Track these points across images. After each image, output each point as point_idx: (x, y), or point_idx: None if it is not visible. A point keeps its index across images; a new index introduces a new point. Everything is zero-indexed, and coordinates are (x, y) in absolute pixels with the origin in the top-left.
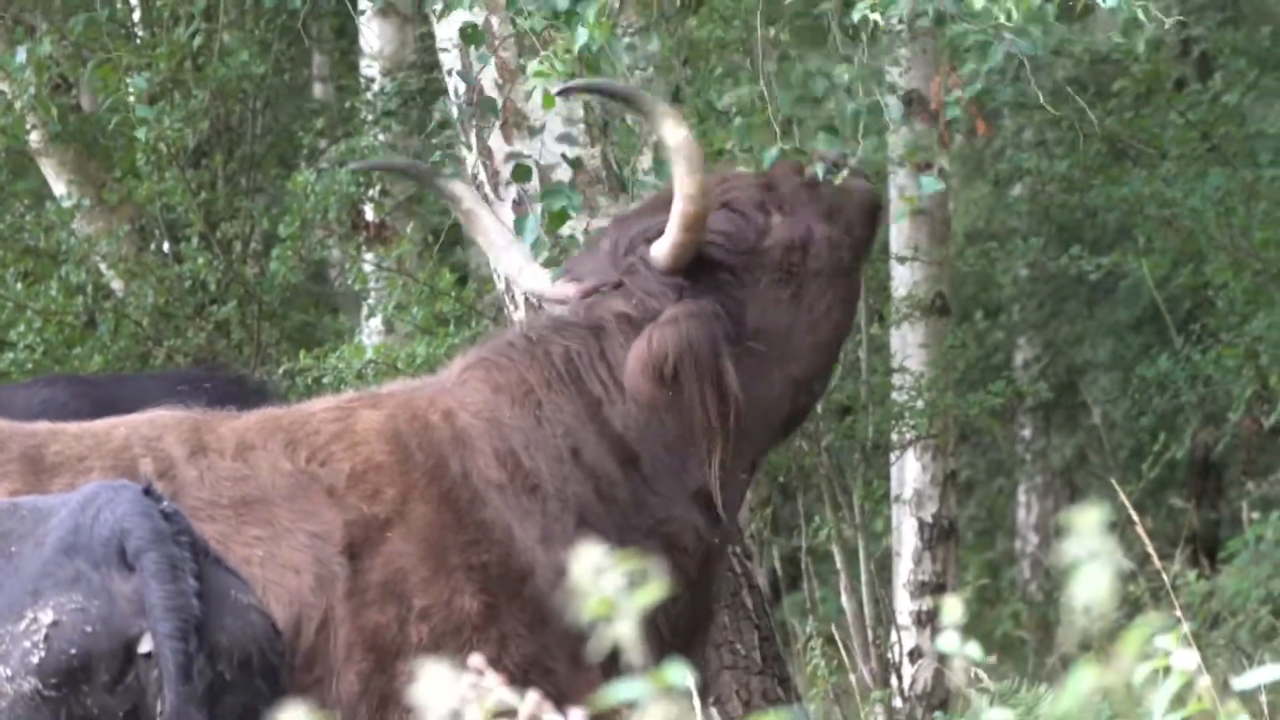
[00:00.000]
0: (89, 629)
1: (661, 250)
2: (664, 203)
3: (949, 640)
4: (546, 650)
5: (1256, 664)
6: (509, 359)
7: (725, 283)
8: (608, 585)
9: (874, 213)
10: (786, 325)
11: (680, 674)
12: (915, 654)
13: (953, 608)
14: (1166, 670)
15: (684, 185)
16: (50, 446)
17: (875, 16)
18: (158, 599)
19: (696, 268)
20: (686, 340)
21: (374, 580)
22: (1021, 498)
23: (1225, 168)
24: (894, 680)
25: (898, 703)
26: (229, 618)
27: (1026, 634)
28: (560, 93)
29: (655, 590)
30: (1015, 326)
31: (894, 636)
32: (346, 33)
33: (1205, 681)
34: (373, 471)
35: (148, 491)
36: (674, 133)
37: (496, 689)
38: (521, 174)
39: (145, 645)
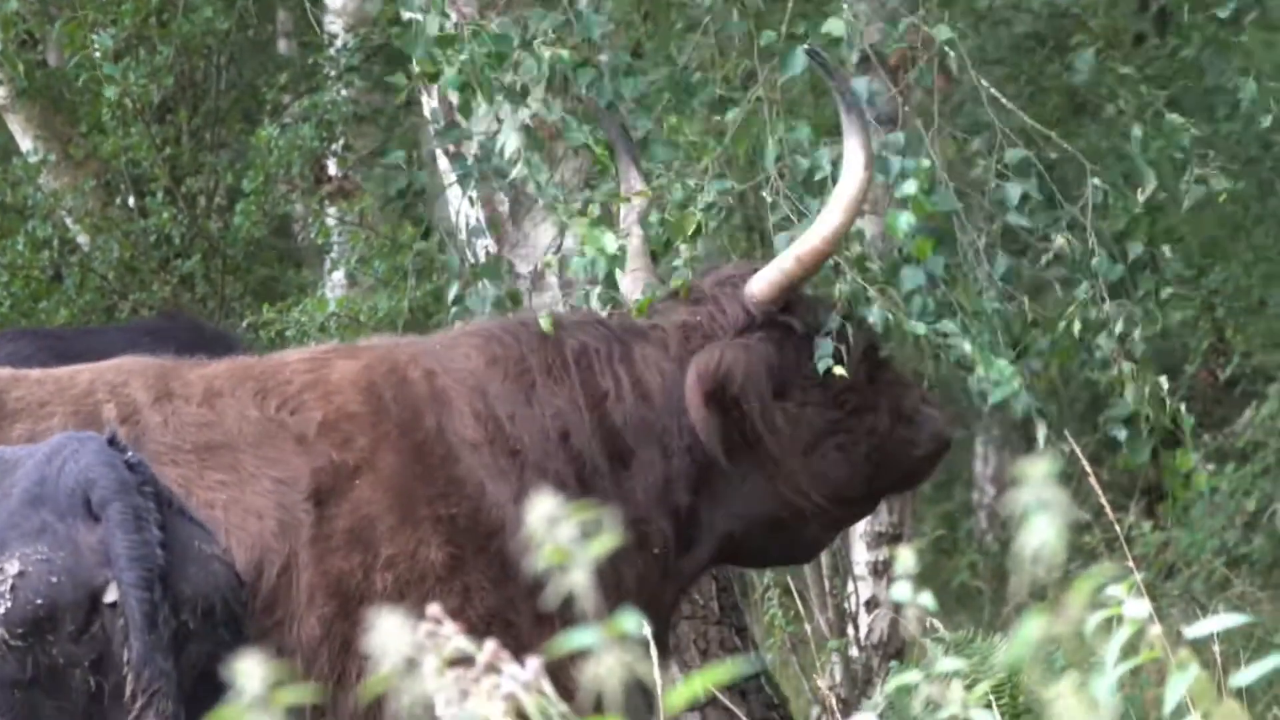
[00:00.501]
0: (54, 579)
1: (763, 276)
2: None
3: (902, 590)
4: (510, 604)
5: (1210, 614)
6: (514, 339)
7: (788, 355)
8: (562, 534)
9: (938, 456)
10: (811, 436)
11: (635, 622)
12: (872, 604)
13: (906, 558)
14: (1118, 619)
15: (827, 223)
16: (11, 392)
17: None
18: (122, 549)
19: (777, 325)
20: (750, 372)
21: (340, 527)
22: (979, 450)
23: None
24: (850, 630)
25: (854, 652)
26: (192, 567)
27: (983, 584)
28: (807, 52)
29: (610, 540)
30: None
31: (850, 586)
32: None
33: (1157, 630)
34: (345, 420)
35: (112, 442)
36: (855, 171)
37: (454, 638)
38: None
39: (110, 595)
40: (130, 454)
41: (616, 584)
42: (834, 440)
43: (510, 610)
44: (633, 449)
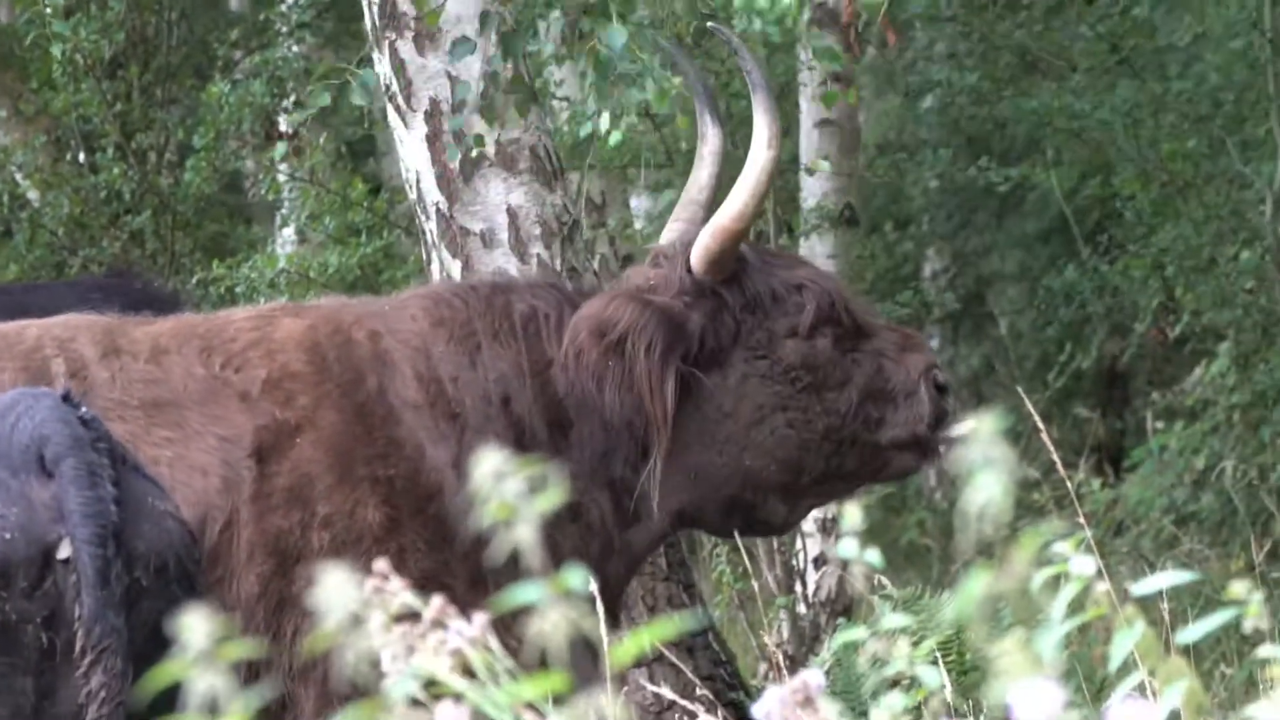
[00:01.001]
0: (7, 535)
1: (695, 246)
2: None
3: (848, 546)
4: (446, 567)
5: (1158, 572)
6: (462, 301)
7: (724, 325)
8: (508, 490)
9: (908, 446)
10: (753, 411)
11: (580, 578)
12: (820, 561)
13: (852, 514)
14: (1065, 576)
15: (734, 203)
16: None
17: None
18: (76, 505)
19: (711, 295)
20: (643, 324)
21: (280, 485)
22: None
23: (1134, 80)
24: (798, 587)
25: (802, 609)
26: (146, 524)
27: (931, 542)
28: (712, 29)
29: (555, 496)
30: (924, 238)
31: (799, 544)
32: None
33: (1104, 587)
34: (288, 379)
35: (66, 398)
36: (762, 147)
37: (400, 594)
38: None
39: (64, 551)
40: (84, 410)
41: (552, 552)
42: (784, 416)
43: (445, 573)
44: (573, 419)
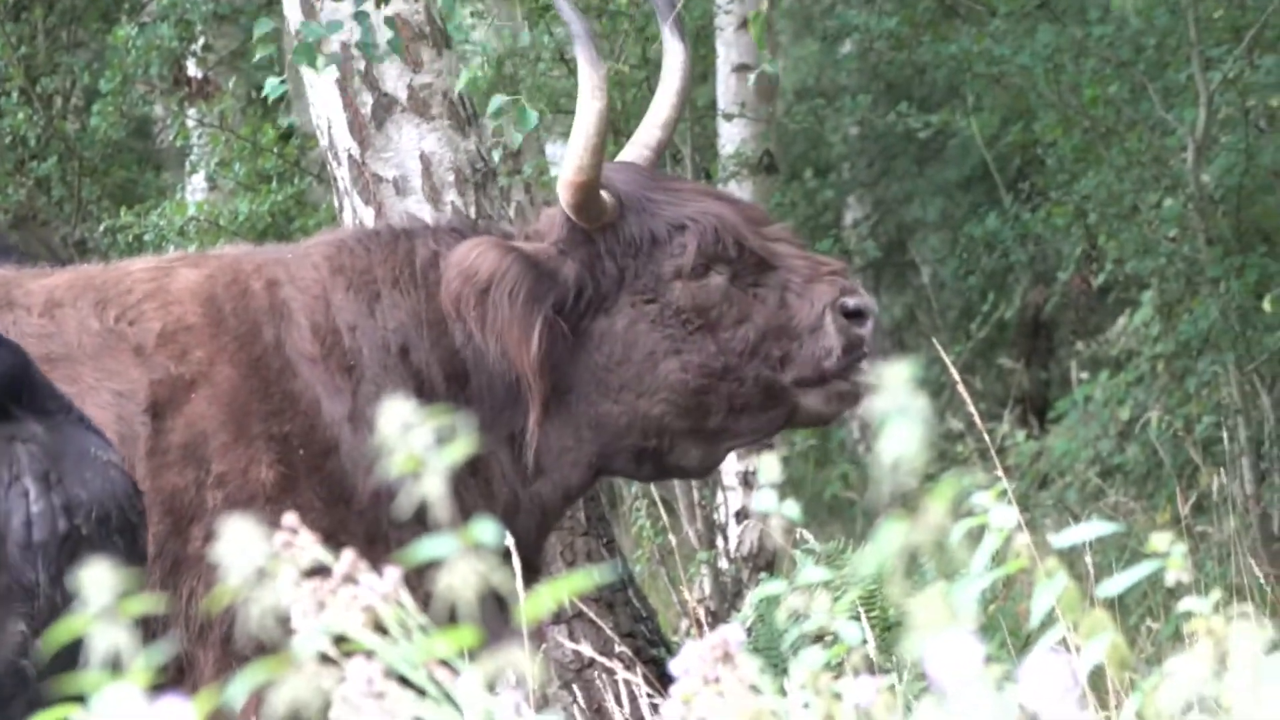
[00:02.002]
0: None
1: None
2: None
3: (766, 499)
4: (342, 526)
5: (1083, 524)
6: (364, 248)
7: (604, 271)
8: (415, 441)
9: (813, 383)
10: (645, 356)
11: (490, 531)
12: (741, 515)
13: (769, 466)
14: (985, 528)
15: (572, 155)
16: None
17: None
18: None
19: (587, 241)
20: (504, 271)
21: (175, 441)
22: None
23: (1054, 25)
24: (719, 541)
25: (723, 564)
26: (89, 473)
27: (854, 495)
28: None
29: (464, 447)
30: (844, 185)
31: (720, 498)
32: None
33: (1025, 539)
34: (182, 332)
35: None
36: (587, 97)
37: (309, 548)
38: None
39: None
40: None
41: (454, 508)
42: (678, 360)
43: (342, 532)
44: (468, 372)
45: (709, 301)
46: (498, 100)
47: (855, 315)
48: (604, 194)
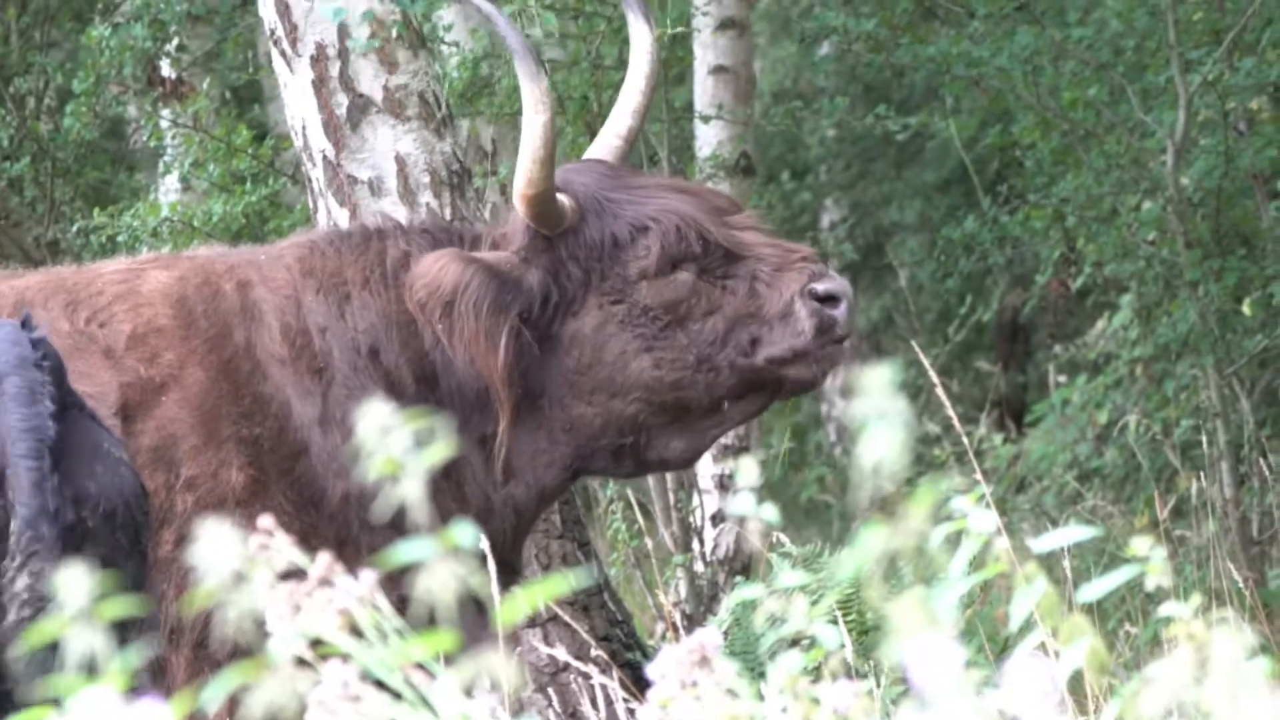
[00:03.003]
0: None
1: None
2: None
3: (743, 502)
4: (313, 530)
5: (1061, 528)
6: (336, 249)
7: (569, 276)
8: (394, 444)
9: (787, 362)
10: (615, 357)
11: (468, 534)
12: (717, 518)
13: (748, 469)
14: (964, 532)
15: (521, 169)
16: None
17: None
18: (14, 421)
19: (550, 248)
20: (467, 282)
21: (145, 444)
22: None
23: (1033, 27)
24: (695, 545)
25: (699, 567)
26: (99, 466)
27: (831, 498)
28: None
29: (442, 450)
30: (822, 187)
31: (696, 501)
32: None
33: (1004, 543)
34: (153, 334)
35: (25, 324)
36: (531, 112)
37: (286, 550)
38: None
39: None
40: (37, 332)
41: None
42: (650, 357)
43: (313, 536)
44: (437, 375)
45: (677, 297)
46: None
47: (827, 299)
48: (564, 199)
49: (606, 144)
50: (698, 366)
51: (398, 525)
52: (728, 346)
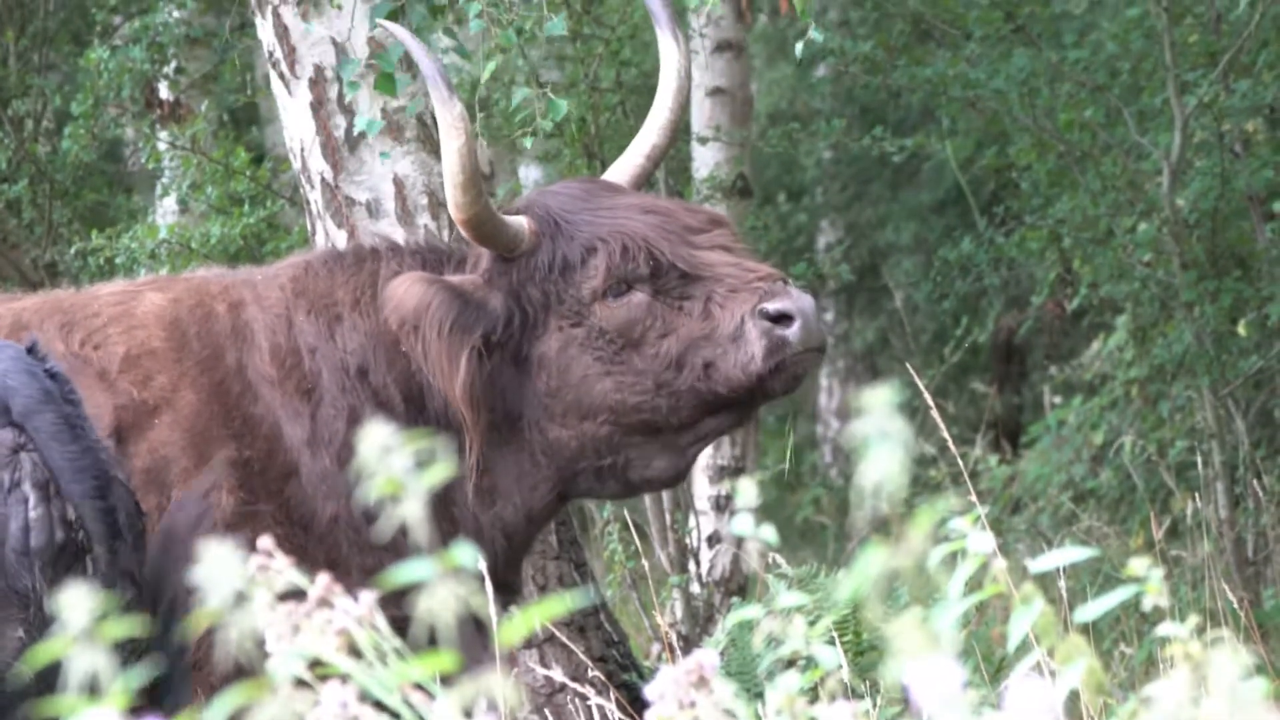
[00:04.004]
0: None
1: None
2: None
3: (742, 523)
4: (303, 552)
5: (1057, 549)
6: (329, 270)
7: (529, 298)
8: (395, 464)
9: (744, 387)
10: (579, 380)
11: (469, 555)
12: (714, 539)
13: (746, 490)
14: (962, 554)
15: (449, 194)
16: None
17: None
18: (64, 461)
19: (508, 271)
20: (428, 304)
21: (138, 467)
22: (823, 382)
23: (1029, 49)
24: (692, 566)
25: (695, 588)
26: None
27: (827, 519)
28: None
29: (442, 470)
30: (818, 208)
31: (692, 521)
32: None
33: (1001, 565)
34: (146, 357)
35: (31, 350)
36: (448, 138)
37: (286, 571)
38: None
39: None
40: (51, 364)
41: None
42: (610, 380)
43: (303, 557)
44: (426, 394)
45: (631, 319)
46: (522, 92)
47: (779, 318)
48: (523, 220)
49: (630, 163)
50: (657, 390)
51: (388, 546)
52: (684, 370)
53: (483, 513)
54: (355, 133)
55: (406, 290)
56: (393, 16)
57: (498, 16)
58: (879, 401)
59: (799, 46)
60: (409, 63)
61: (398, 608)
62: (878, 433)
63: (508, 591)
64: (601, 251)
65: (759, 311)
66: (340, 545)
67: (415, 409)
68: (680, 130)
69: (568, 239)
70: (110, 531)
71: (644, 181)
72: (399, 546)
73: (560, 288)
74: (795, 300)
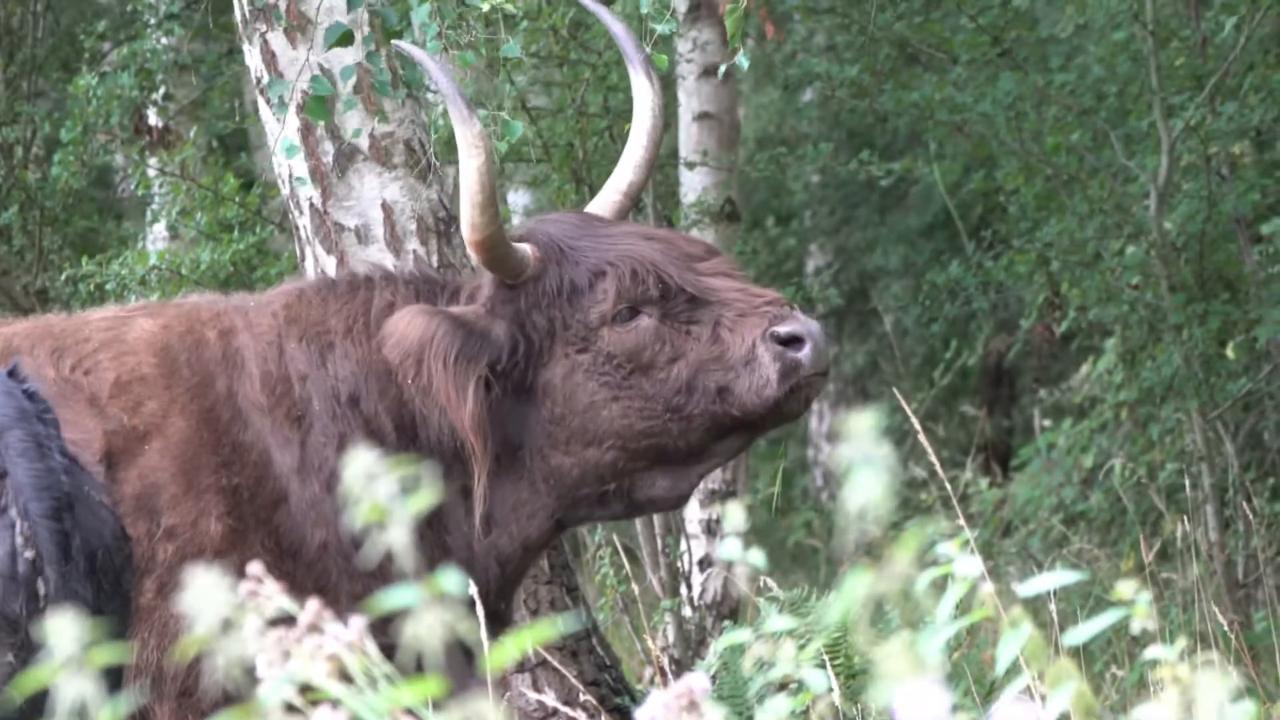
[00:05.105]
0: None
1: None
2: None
3: (731, 547)
4: (291, 579)
5: (1046, 572)
6: (322, 297)
7: (534, 325)
8: (380, 491)
9: (756, 409)
10: (586, 406)
11: (456, 581)
12: (705, 563)
13: (735, 514)
14: (950, 577)
15: (464, 215)
16: None
17: None
18: (27, 478)
19: (513, 298)
20: (432, 335)
21: (128, 493)
22: (814, 406)
23: (1016, 72)
24: (683, 589)
25: (687, 612)
26: (81, 510)
27: (818, 543)
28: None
29: (428, 496)
30: (806, 233)
31: (683, 545)
32: None
33: (989, 588)
34: (136, 383)
35: (12, 373)
36: (466, 156)
37: (275, 597)
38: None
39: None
40: (29, 384)
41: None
42: (619, 406)
43: (292, 586)
44: (418, 423)
45: (640, 344)
46: (479, 114)
47: (790, 341)
48: (527, 248)
49: (608, 200)
50: (668, 415)
51: (378, 573)
52: (695, 394)
53: (478, 541)
54: (343, 153)
55: (409, 323)
56: (345, 41)
57: (456, 39)
58: (863, 426)
59: (720, 70)
60: (397, 83)
61: (384, 635)
62: (862, 457)
63: (498, 622)
64: (611, 275)
65: (770, 335)
66: (330, 572)
67: (407, 438)
68: (659, 162)
69: (573, 264)
70: (62, 554)
71: (623, 218)
72: (388, 573)
73: (567, 313)
74: (804, 324)
